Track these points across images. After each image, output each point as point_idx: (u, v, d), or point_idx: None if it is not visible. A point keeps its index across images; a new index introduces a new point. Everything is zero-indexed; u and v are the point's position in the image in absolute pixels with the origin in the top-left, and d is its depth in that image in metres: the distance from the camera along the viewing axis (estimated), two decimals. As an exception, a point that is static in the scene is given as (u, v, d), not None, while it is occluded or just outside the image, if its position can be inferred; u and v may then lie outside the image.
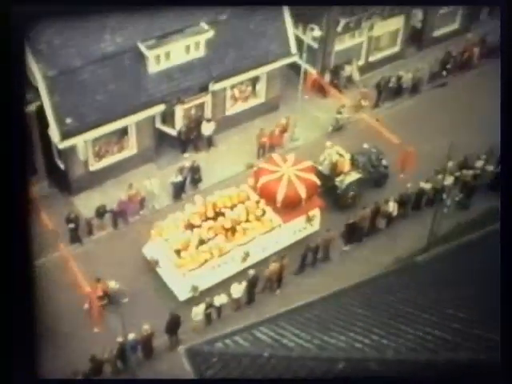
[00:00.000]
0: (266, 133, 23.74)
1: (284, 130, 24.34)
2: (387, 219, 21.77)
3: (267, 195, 19.90)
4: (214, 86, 22.51)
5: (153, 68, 21.12)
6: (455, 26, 31.17)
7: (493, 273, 11.68)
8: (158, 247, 19.34)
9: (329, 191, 21.73)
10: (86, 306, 18.49)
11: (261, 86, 24.37)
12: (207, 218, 19.37)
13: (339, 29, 24.88)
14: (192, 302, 18.76)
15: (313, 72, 25.53)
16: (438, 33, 30.31)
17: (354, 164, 22.34)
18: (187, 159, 22.65)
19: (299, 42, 23.96)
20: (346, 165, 22.06)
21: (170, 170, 22.20)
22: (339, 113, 25.14)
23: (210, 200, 19.80)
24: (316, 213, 20.93)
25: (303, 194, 19.81)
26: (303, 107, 25.04)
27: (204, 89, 22.39)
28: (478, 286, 11.75)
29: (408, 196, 22.04)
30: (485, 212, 21.62)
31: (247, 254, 19.61)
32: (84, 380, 16.05)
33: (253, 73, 23.37)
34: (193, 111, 22.83)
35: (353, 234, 21.30)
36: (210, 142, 23.52)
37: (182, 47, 21.41)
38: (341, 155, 22.32)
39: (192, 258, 18.65)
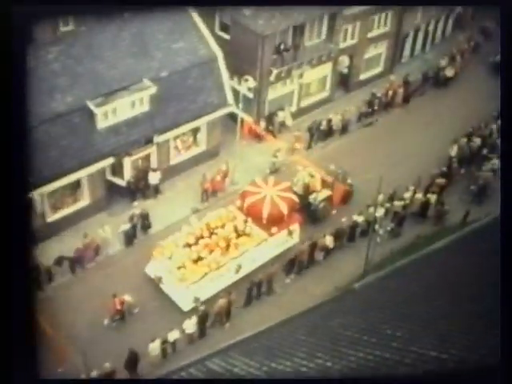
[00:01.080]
0: (208, 179, 28.74)
1: (225, 175, 29.40)
2: (325, 251, 26.89)
3: (254, 214, 25.90)
4: (159, 138, 27.45)
5: (101, 124, 25.80)
6: (379, 68, 37.77)
7: (427, 293, 15.55)
8: (161, 265, 24.50)
9: (304, 208, 27.65)
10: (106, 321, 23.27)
11: (201, 136, 29.61)
12: (202, 237, 24.85)
13: (272, 78, 30.64)
14: (192, 312, 23.48)
15: (249, 120, 31.04)
16: (363, 76, 36.81)
17: (325, 183, 28.46)
18: (137, 207, 27.29)
19: (235, 92, 29.43)
20: (317, 184, 28.28)
21: (121, 217, 26.72)
22: (275, 156, 30.49)
23: (204, 221, 25.34)
24: (295, 227, 26.91)
25: (285, 210, 26.00)
26: (242, 153, 30.41)
27: (149, 141, 27.28)
28: (414, 306, 13.94)
29: (343, 229, 27.30)
30: (415, 238, 27.28)
31: (240, 266, 25.12)
32: (84, 380, 19.69)
33: (193, 124, 28.56)
34: (140, 162, 27.68)
35: (293, 267, 26.26)
36: (157, 190, 28.32)
37: (128, 103, 26.27)
38: (312, 176, 28.43)
39: (193, 272, 23.80)
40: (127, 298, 23.58)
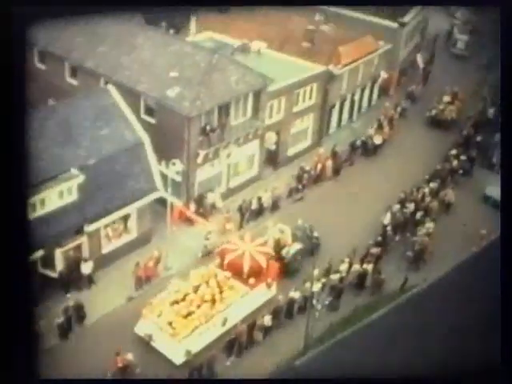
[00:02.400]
0: (141, 266, 32.97)
1: (157, 261, 33.74)
2: (264, 331, 31.24)
3: (234, 269, 31.67)
4: (89, 228, 31.70)
5: (29, 216, 29.80)
6: (307, 142, 43.55)
7: (372, 359, 19.10)
8: (151, 323, 29.38)
9: (277, 262, 33.27)
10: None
11: (132, 223, 34.09)
12: (188, 293, 30.17)
13: (199, 160, 35.67)
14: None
15: (179, 204, 35.77)
16: (291, 151, 42.48)
17: (295, 237, 34.42)
18: (70, 298, 31.12)
19: (164, 177, 34.21)
20: (288, 239, 34.30)
21: (55, 311, 30.45)
22: (207, 239, 35.11)
23: (188, 280, 31.20)
24: (273, 280, 32.46)
25: (264, 264, 32.11)
26: (173, 238, 34.99)
27: (79, 231, 31.49)
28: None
29: (280, 307, 31.81)
30: (354, 309, 32.05)
31: (226, 319, 30.34)
32: (84, 380, 22.37)
33: (123, 211, 33.04)
34: (71, 253, 31.73)
35: (233, 349, 30.44)
36: (90, 280, 32.34)
37: (56, 193, 30.49)
38: (282, 231, 34.42)
39: (184, 326, 28.70)
40: (129, 356, 27.69)
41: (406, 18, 57.43)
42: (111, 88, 35.63)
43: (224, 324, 30.46)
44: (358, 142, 45.46)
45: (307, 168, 41.09)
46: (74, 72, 40.22)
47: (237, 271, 31.80)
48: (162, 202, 34.90)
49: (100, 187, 32.07)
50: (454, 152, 45.85)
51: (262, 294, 32.40)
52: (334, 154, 43.16)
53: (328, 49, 46.00)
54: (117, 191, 32.73)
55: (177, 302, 29.98)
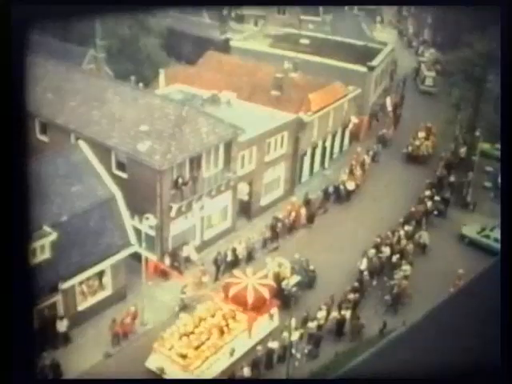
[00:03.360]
0: (117, 322, 33.72)
1: (134, 317, 34.50)
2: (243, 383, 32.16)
3: (239, 302, 33.47)
4: (63, 285, 32.51)
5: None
6: (280, 191, 44.92)
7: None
8: (163, 356, 31.12)
9: (278, 294, 35.34)
10: None
11: (107, 279, 34.93)
12: (197, 326, 32.17)
13: (172, 214, 36.71)
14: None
15: (153, 258, 36.71)
16: (264, 201, 43.75)
17: (293, 270, 36.94)
18: (46, 358, 31.73)
19: (137, 231, 35.16)
20: (287, 271, 36.75)
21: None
22: (183, 292, 36.01)
23: (194, 314, 33.39)
24: (275, 311, 34.72)
25: (267, 295, 33.87)
26: (149, 293, 35.79)
27: (54, 289, 32.26)
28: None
29: (259, 358, 32.70)
30: (334, 356, 33.01)
31: (233, 350, 32.35)
32: (84, 380, 22.78)
33: (98, 267, 33.88)
34: (46, 311, 32.44)
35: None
36: (66, 338, 32.99)
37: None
38: (281, 264, 36.89)
39: (196, 357, 30.36)
40: None
41: (375, 62, 59.65)
42: (82, 144, 36.73)
43: (232, 354, 32.37)
44: (331, 189, 46.90)
45: (281, 217, 42.33)
46: (44, 129, 41.32)
47: (241, 303, 33.69)
48: (136, 256, 35.71)
49: (73, 244, 32.92)
50: (427, 193, 47.47)
51: (266, 325, 34.61)
52: (308, 202, 44.52)
53: (297, 96, 47.71)
54: (91, 247, 33.62)
55: (186, 335, 31.96)
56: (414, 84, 78.78)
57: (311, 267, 38.19)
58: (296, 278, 36.97)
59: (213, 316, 33.16)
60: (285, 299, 35.21)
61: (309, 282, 37.95)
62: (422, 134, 57.47)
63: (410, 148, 56.04)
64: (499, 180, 47.51)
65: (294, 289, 35.90)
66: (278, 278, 36.42)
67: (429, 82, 77.21)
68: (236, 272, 35.82)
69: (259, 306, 33.93)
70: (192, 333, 32.05)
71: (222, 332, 32.46)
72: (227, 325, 32.83)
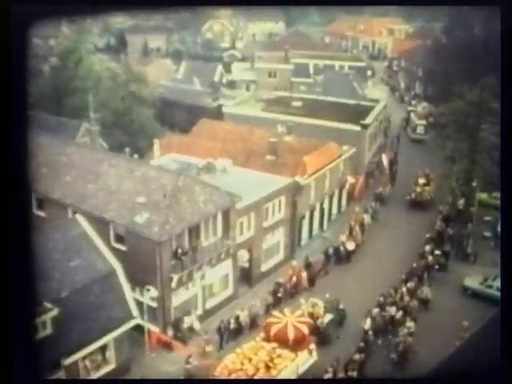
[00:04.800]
0: (122, 397, 33.96)
1: (139, 391, 34.81)
2: None
3: (280, 339, 35.56)
4: (66, 361, 32.75)
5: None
6: (280, 256, 45.54)
7: None
8: None
9: (314, 332, 37.93)
10: None
11: (110, 353, 35.17)
12: (244, 364, 34.32)
13: (173, 285, 37.21)
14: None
15: (156, 330, 37.07)
16: (265, 267, 44.33)
17: (326, 309, 39.74)
18: None
19: (139, 303, 35.64)
20: (321, 310, 39.47)
21: None
22: (188, 363, 36.20)
23: (240, 353, 35.29)
24: (313, 346, 36.65)
25: (306, 331, 36.23)
26: (152, 365, 36.08)
27: (57, 365, 32.25)
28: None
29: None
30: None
31: None
32: (84, 380, 22.40)
33: (100, 342, 34.18)
34: (50, 390, 32.67)
35: None
36: None
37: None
38: (315, 304, 39.80)
39: None
40: None
41: (368, 120, 60.88)
42: (79, 218, 37.39)
43: None
44: (331, 250, 47.47)
45: (282, 282, 42.81)
46: (41, 204, 41.97)
47: (283, 340, 35.64)
48: (139, 329, 36.17)
49: (75, 319, 33.19)
50: (428, 248, 47.99)
51: (306, 360, 36.38)
52: (308, 265, 45.06)
53: (293, 160, 48.67)
54: (92, 322, 33.97)
55: (235, 372, 33.74)
56: (405, 133, 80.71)
57: (341, 306, 40.81)
58: (329, 316, 39.84)
59: (256, 354, 34.92)
60: (321, 336, 38.43)
61: (339, 319, 40.73)
62: (422, 181, 59.86)
63: (413, 195, 58.54)
64: (499, 229, 48.05)
65: (329, 326, 39.41)
66: (313, 317, 39.08)
67: (420, 130, 79.65)
68: (275, 313, 38.36)
69: (299, 342, 36.04)
70: (240, 369, 33.82)
71: (268, 368, 34.26)
72: (272, 360, 34.61)
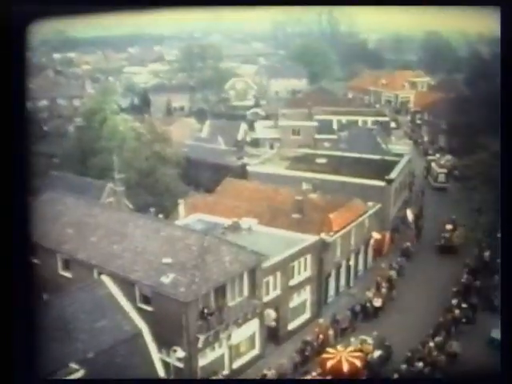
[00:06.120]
0: None
1: None
2: None
3: (335, 373, 37.72)
4: None
5: None
6: (307, 315, 45.63)
7: None
8: None
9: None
10: None
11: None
12: None
13: (200, 345, 37.36)
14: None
15: None
16: (292, 326, 44.39)
17: (374, 345, 42.11)
18: None
19: (166, 364, 35.83)
20: (370, 347, 41.81)
21: None
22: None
23: None
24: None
25: (359, 364, 38.70)
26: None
27: None
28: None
29: None
30: None
31: None
32: (84, 380, 22.15)
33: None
34: None
35: None
36: None
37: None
38: (364, 341, 42.16)
39: None
40: None
41: (393, 175, 61.26)
42: (105, 278, 37.96)
43: None
44: (358, 307, 47.46)
45: (309, 340, 42.82)
46: (67, 264, 42.59)
47: (338, 374, 37.78)
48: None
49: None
50: (454, 302, 47.80)
51: None
52: (335, 323, 45.06)
53: (318, 217, 49.07)
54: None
55: None
56: (426, 182, 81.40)
57: (387, 343, 42.22)
58: (378, 352, 41.63)
59: None
60: (370, 370, 40.06)
61: (386, 356, 41.94)
62: (449, 226, 60.51)
63: (442, 241, 59.47)
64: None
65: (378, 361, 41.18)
66: (363, 352, 41.04)
67: (441, 178, 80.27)
68: (328, 349, 40.46)
69: (353, 375, 38.10)
70: None
71: None
72: None
